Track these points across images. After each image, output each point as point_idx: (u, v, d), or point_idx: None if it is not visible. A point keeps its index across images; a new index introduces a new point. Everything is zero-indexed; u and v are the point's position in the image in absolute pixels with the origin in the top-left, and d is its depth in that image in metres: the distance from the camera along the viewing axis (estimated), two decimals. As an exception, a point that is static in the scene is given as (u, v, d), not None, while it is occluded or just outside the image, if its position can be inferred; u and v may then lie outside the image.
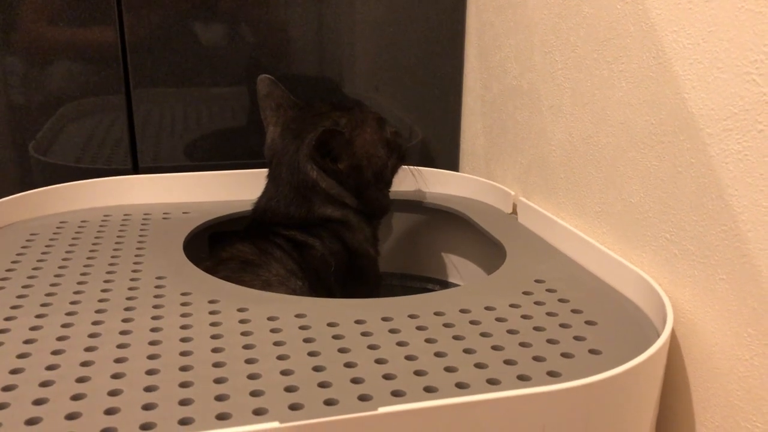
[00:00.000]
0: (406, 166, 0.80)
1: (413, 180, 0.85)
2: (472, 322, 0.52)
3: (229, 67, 0.88)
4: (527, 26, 0.76)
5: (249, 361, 0.45)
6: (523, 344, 0.49)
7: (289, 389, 0.42)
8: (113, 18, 0.83)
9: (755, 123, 0.46)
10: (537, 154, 0.76)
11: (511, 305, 0.55)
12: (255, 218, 0.76)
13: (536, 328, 0.51)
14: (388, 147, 0.76)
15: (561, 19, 0.69)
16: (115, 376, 0.43)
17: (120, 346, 0.47)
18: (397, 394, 0.42)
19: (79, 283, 0.58)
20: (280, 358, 0.46)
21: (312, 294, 0.67)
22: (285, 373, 0.44)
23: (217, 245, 0.73)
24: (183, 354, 0.46)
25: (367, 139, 0.74)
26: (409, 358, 0.46)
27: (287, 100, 0.77)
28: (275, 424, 0.36)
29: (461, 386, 0.43)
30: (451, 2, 0.93)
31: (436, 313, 0.53)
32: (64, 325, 0.50)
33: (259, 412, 0.40)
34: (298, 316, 0.52)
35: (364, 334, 0.49)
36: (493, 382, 0.43)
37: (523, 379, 0.44)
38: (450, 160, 1.00)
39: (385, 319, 0.52)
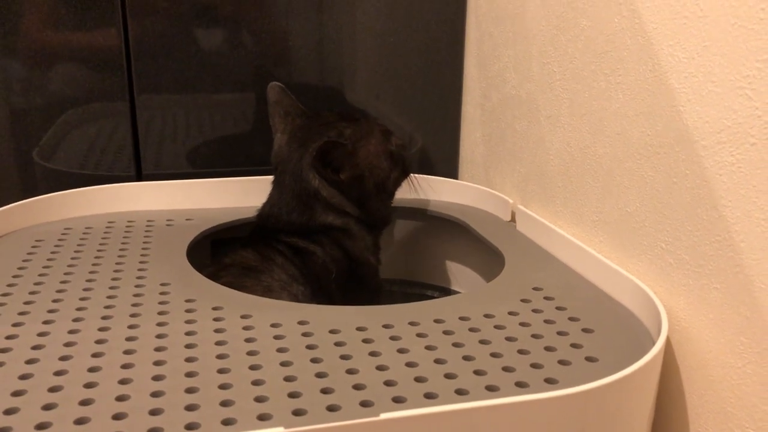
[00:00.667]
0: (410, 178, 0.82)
1: (412, 188, 0.86)
2: (471, 330, 0.53)
3: (231, 74, 0.89)
4: (526, 37, 0.77)
5: (253, 368, 0.46)
6: (521, 351, 0.50)
7: (292, 395, 0.43)
8: (117, 24, 0.84)
9: (747, 136, 0.47)
10: (535, 163, 0.78)
11: (510, 313, 0.56)
12: (258, 224, 0.77)
13: (534, 336, 0.52)
14: (392, 159, 0.77)
15: (559, 31, 0.70)
16: (122, 381, 0.44)
17: (126, 352, 0.48)
18: (398, 401, 0.43)
19: (85, 289, 0.59)
20: (284, 364, 0.47)
21: (313, 299, 0.68)
22: (288, 379, 0.45)
23: (219, 252, 0.74)
24: (188, 360, 0.47)
25: (371, 150, 0.75)
26: (409, 364, 0.47)
27: (296, 108, 0.79)
28: (280, 429, 0.37)
29: (461, 392, 0.44)
30: (451, 13, 0.94)
31: (436, 321, 0.54)
32: (71, 331, 0.51)
33: (263, 418, 0.40)
34: (300, 323, 0.53)
35: (365, 341, 0.50)
36: (491, 389, 0.44)
37: (521, 385, 0.45)
38: (449, 168, 1.01)
39: (386, 327, 0.53)
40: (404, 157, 0.79)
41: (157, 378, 0.45)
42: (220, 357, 0.48)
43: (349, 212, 0.75)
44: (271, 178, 0.80)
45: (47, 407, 0.41)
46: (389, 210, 0.80)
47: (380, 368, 0.46)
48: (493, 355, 0.49)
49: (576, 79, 0.68)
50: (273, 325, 0.52)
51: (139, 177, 0.89)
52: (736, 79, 0.47)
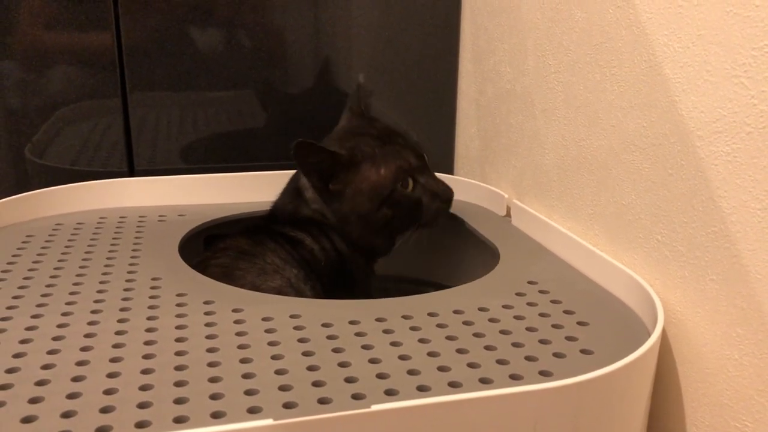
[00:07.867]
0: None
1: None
2: (465, 323, 0.52)
3: (225, 71, 0.89)
4: (521, 30, 0.77)
5: (244, 361, 0.45)
6: (515, 344, 0.49)
7: (283, 388, 0.42)
8: (110, 22, 0.83)
9: (744, 125, 0.46)
10: (530, 157, 0.77)
11: (504, 306, 0.55)
12: (267, 213, 0.78)
13: (529, 329, 0.52)
14: (388, 198, 0.70)
15: (554, 23, 0.70)
16: (111, 375, 0.43)
17: (115, 346, 0.47)
18: (390, 393, 0.42)
19: (75, 283, 0.58)
20: (275, 357, 0.46)
21: (307, 283, 0.67)
22: (279, 372, 0.44)
23: (212, 246, 0.74)
24: (178, 353, 0.46)
25: (370, 178, 0.70)
26: (402, 357, 0.47)
27: (357, 108, 0.80)
28: (269, 421, 0.37)
29: (454, 385, 0.43)
30: (446, 7, 0.94)
31: (430, 314, 0.53)
32: (59, 325, 0.50)
33: (253, 411, 0.40)
34: (292, 316, 0.52)
35: (358, 334, 0.50)
36: (485, 381, 0.44)
37: (515, 378, 0.44)
38: (445, 164, 1.00)
39: (379, 320, 0.52)
40: (413, 204, 0.71)
41: (146, 371, 0.44)
42: (210, 351, 0.47)
43: (328, 220, 0.73)
44: (262, 174, 0.80)
45: (33, 401, 0.41)
46: (377, 244, 0.74)
47: (373, 361, 0.46)
48: (487, 348, 0.48)
49: (571, 72, 0.67)
50: (264, 319, 0.52)
51: (132, 173, 0.88)
52: (732, 68, 0.47)
